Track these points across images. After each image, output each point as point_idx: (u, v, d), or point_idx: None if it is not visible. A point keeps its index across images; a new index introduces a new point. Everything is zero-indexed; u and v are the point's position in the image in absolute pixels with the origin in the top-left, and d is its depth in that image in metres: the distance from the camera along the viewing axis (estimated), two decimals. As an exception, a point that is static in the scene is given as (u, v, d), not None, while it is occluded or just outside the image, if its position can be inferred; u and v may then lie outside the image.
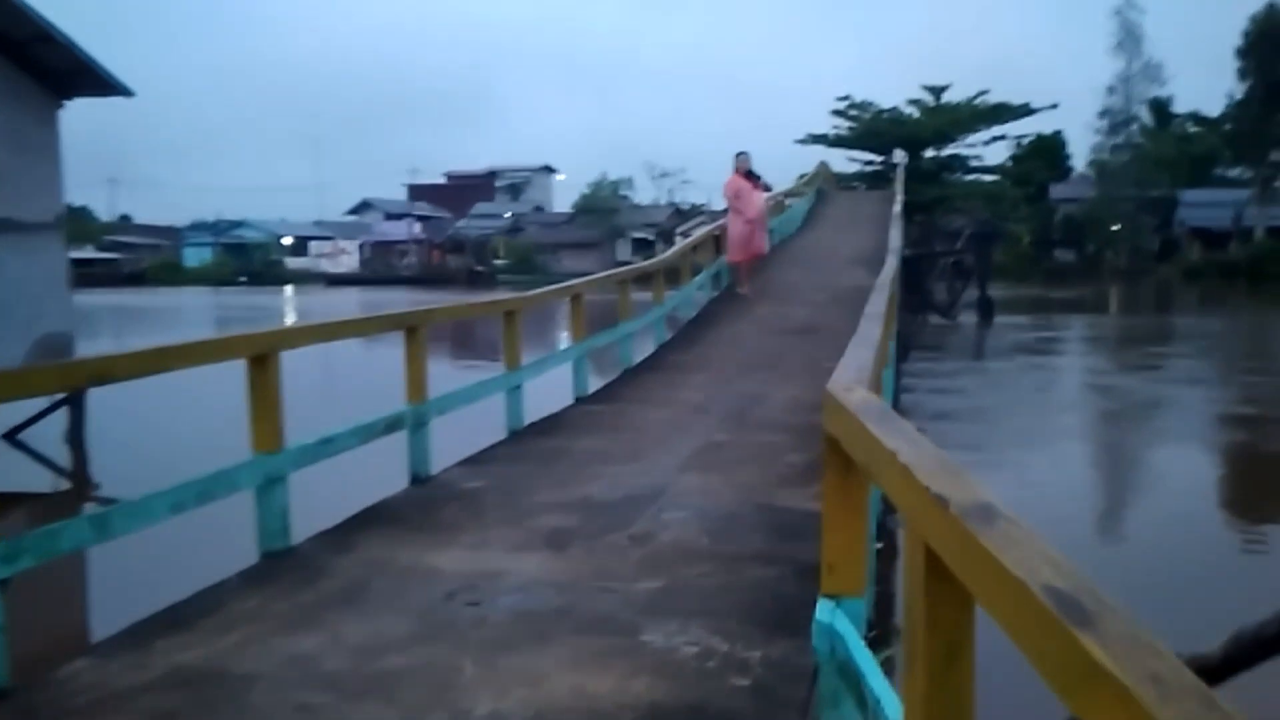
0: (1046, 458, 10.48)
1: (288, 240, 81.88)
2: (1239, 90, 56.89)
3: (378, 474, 5.53)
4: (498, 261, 72.33)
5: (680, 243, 15.54)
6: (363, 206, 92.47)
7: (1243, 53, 55.79)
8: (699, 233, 13.73)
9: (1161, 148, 59.44)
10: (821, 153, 68.98)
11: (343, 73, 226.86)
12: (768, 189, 13.48)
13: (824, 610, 2.14)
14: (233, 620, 3.27)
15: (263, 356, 3.85)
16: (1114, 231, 59.42)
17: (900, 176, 25.85)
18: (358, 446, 4.66)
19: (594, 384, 8.61)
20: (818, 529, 4.29)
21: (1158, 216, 60.18)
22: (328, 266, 75.98)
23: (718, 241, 14.00)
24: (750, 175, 13.15)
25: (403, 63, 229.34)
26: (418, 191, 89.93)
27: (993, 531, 1.40)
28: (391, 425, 4.95)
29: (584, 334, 7.94)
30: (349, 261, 77.93)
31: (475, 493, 4.92)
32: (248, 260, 76.92)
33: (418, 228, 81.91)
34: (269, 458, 3.92)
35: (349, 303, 48.48)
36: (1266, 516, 8.56)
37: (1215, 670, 2.55)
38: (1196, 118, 67.48)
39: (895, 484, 1.71)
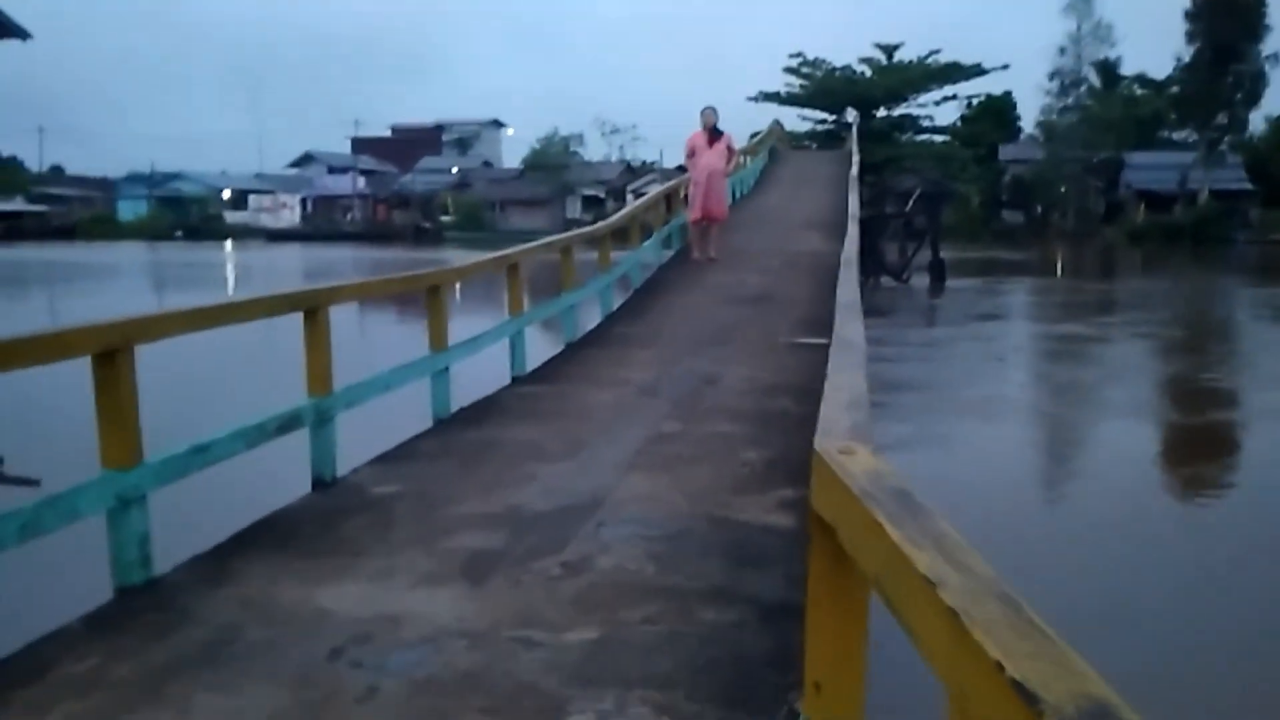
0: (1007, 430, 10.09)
1: (227, 194, 79.36)
2: (1187, 53, 57.13)
3: (281, 468, 4.87)
4: (445, 218, 70.81)
5: (631, 202, 14.82)
6: (305, 159, 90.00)
7: (1191, 15, 55.91)
8: (651, 192, 12.99)
9: (1108, 109, 59.56)
10: (774, 110, 68.40)
11: (284, 20, 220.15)
12: (730, 148, 12.78)
13: (811, 756, 1.55)
14: (57, 693, 2.61)
15: (111, 352, 3.15)
16: (1061, 193, 59.62)
17: (854, 137, 25.34)
18: (244, 452, 3.97)
19: (539, 353, 7.98)
20: (780, 551, 3.73)
21: (1104, 178, 60.52)
22: (268, 221, 73.83)
23: (669, 201, 13.34)
24: (714, 132, 12.48)
25: (346, 10, 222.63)
26: (362, 144, 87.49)
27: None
28: (286, 424, 4.25)
29: (522, 308, 7.25)
30: (290, 216, 75.85)
31: (386, 501, 4.27)
32: (185, 214, 74.44)
33: (362, 182, 79.90)
34: (121, 475, 3.22)
35: (291, 260, 47.02)
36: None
37: None
38: (1143, 80, 67.81)
39: (933, 631, 1.10)
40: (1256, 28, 54.21)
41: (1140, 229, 54.88)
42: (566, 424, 5.70)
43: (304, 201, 78.78)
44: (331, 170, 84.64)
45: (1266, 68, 55.26)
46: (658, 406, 6.14)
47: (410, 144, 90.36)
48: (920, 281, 25.97)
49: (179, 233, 69.12)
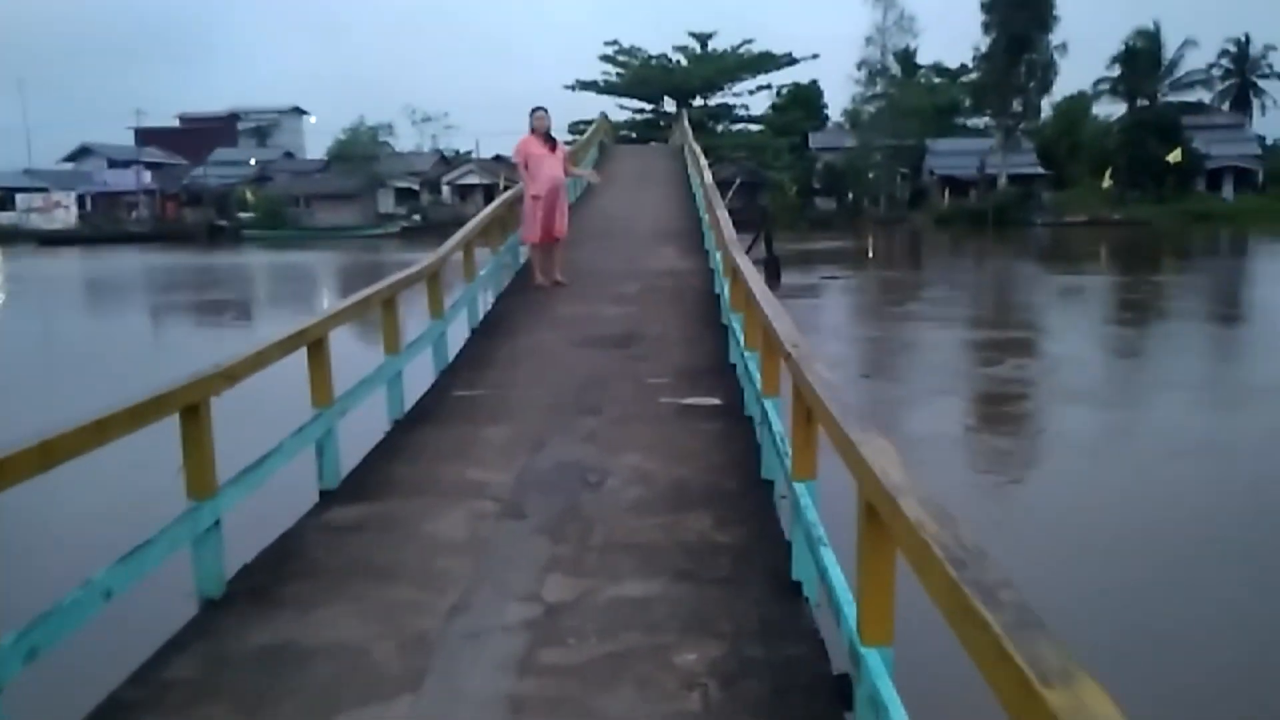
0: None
1: (-11, 193, 70.85)
2: (984, 43, 59.43)
3: None
4: (243, 215, 65.57)
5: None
6: (82, 153, 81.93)
7: (987, 6, 58.11)
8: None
9: (910, 98, 61.29)
10: (591, 100, 67.26)
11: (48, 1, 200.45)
12: (566, 158, 11.01)
13: None
14: None
15: None
16: (871, 180, 60.93)
17: (687, 130, 24.03)
18: None
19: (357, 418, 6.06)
20: None
21: (909, 165, 62.28)
22: (40, 223, 66.47)
23: (503, 221, 11.48)
24: (549, 138, 10.67)
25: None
26: (147, 135, 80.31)
27: None
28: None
29: (330, 397, 5.32)
30: (66, 216, 68.56)
31: None
32: (-58, 218, 66.00)
33: (148, 176, 73.19)
34: None
35: (67, 270, 41.92)
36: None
37: None
38: (939, 69, 70.43)
39: None
40: (1046, 18, 56.87)
41: (946, 214, 56.65)
42: (401, 596, 3.88)
43: (81, 199, 71.44)
44: (113, 164, 77.25)
45: (1056, 56, 58.19)
46: (530, 543, 4.41)
47: (201, 134, 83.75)
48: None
49: (-68, 239, 61.05)
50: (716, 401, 6.79)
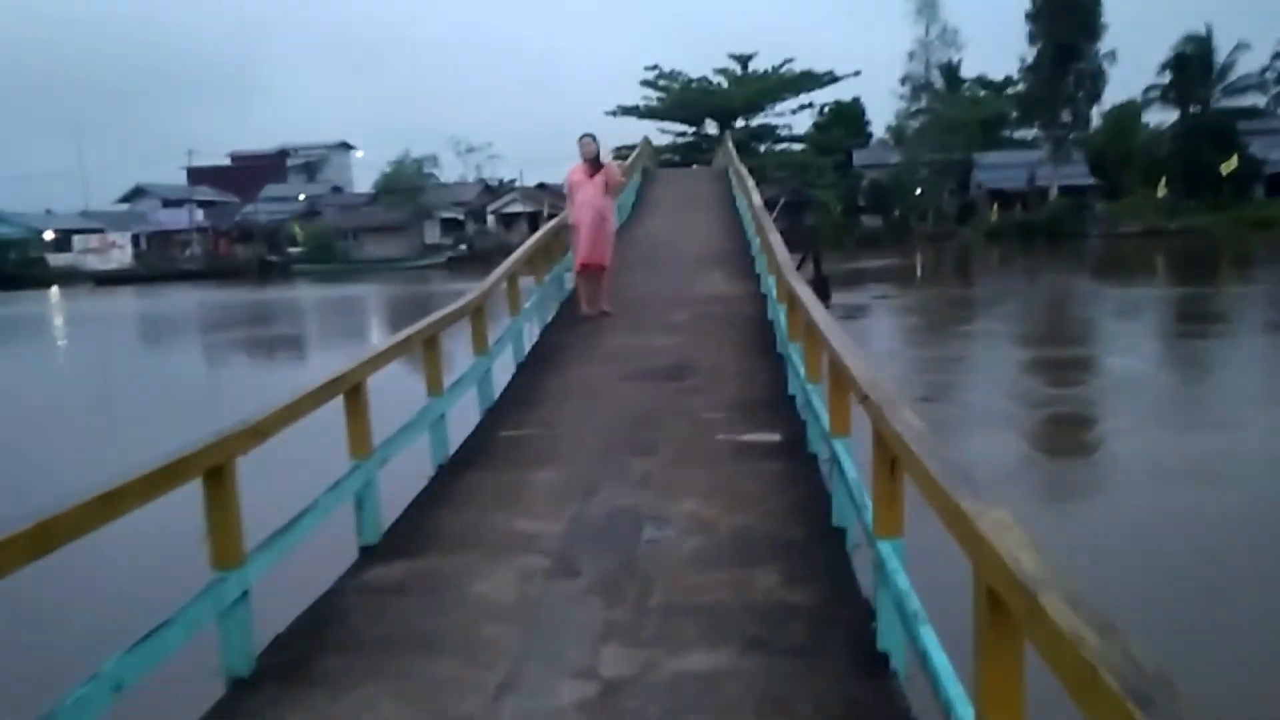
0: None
1: (49, 235, 72.51)
2: (1030, 54, 58.46)
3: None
4: (293, 249, 66.43)
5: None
6: (136, 193, 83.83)
7: (1032, 16, 57.23)
8: (526, 243, 10.58)
9: (955, 111, 60.45)
10: (633, 124, 67.43)
11: (103, 44, 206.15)
12: (609, 180, 10.60)
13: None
14: None
15: None
16: (918, 196, 60.07)
17: (732, 153, 23.69)
18: None
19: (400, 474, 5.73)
20: None
21: (956, 180, 61.33)
22: (96, 263, 67.77)
23: (548, 250, 11.20)
24: (596, 164, 10.35)
25: (169, 33, 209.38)
26: (199, 174, 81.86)
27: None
28: None
29: (369, 446, 5.02)
30: (121, 256, 69.87)
31: None
32: (2, 259, 67.52)
33: (200, 215, 74.66)
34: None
35: (123, 309, 42.66)
36: None
37: None
38: (983, 81, 69.41)
39: None
40: (1094, 27, 55.83)
41: (996, 228, 55.66)
42: (444, 671, 3.53)
43: (136, 239, 72.92)
44: (166, 204, 78.91)
45: (1104, 65, 57.09)
46: (583, 606, 4.05)
47: (252, 172, 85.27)
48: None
49: (-10, 281, 62.46)
50: (776, 438, 6.40)
